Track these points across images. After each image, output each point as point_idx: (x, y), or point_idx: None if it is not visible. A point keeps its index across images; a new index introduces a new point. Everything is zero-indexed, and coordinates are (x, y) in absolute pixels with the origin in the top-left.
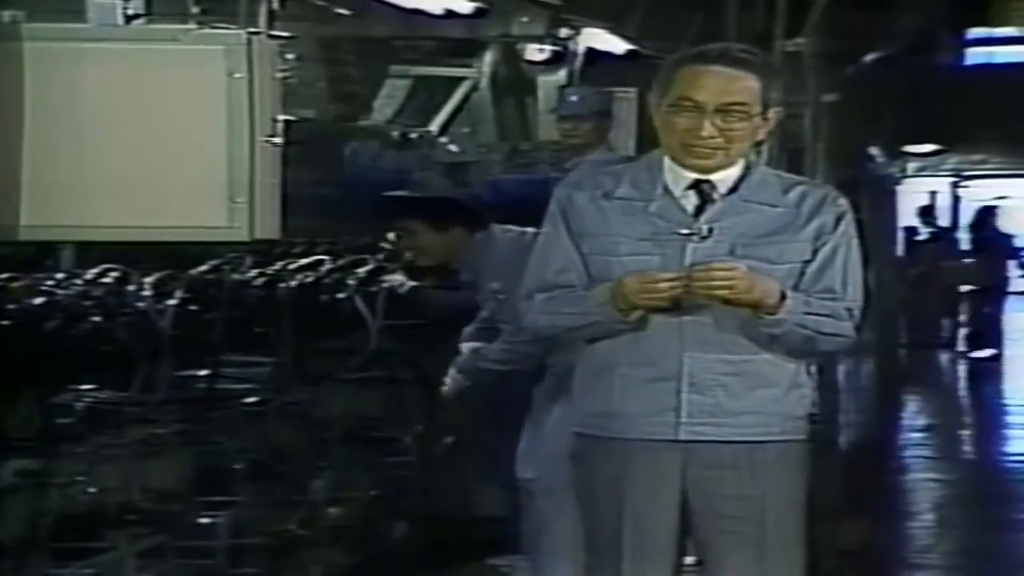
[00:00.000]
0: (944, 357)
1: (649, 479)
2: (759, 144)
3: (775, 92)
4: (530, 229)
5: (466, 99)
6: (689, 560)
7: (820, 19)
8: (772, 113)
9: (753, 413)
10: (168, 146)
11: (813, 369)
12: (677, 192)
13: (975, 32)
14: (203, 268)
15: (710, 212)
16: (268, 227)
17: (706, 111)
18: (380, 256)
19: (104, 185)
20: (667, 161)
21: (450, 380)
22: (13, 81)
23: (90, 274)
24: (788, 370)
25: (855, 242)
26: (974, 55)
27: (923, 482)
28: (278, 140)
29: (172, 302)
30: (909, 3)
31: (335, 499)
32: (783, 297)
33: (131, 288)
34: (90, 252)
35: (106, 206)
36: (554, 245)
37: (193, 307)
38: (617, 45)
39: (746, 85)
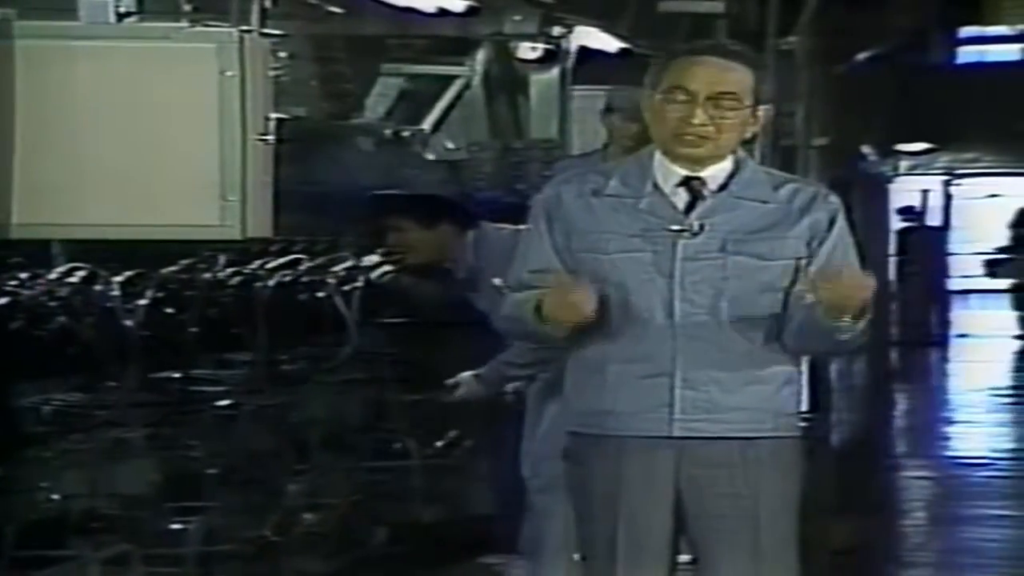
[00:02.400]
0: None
1: (643, 477)
2: (749, 142)
3: (766, 87)
4: (523, 227)
5: (458, 97)
6: (684, 558)
7: (812, 17)
8: (762, 110)
9: (746, 409)
10: (160, 144)
11: (803, 367)
12: (667, 189)
13: (967, 31)
14: (174, 268)
15: (701, 208)
16: (260, 225)
17: (698, 100)
18: (363, 256)
19: (96, 183)
20: (657, 158)
21: (464, 385)
22: (5, 79)
23: (55, 273)
24: (781, 367)
25: (850, 240)
26: (966, 54)
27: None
28: (270, 138)
29: (143, 302)
30: (901, 2)
31: (312, 504)
32: None
33: (100, 288)
34: (62, 251)
35: (98, 204)
36: (533, 246)
37: (168, 308)
38: (609, 43)
39: (737, 77)
